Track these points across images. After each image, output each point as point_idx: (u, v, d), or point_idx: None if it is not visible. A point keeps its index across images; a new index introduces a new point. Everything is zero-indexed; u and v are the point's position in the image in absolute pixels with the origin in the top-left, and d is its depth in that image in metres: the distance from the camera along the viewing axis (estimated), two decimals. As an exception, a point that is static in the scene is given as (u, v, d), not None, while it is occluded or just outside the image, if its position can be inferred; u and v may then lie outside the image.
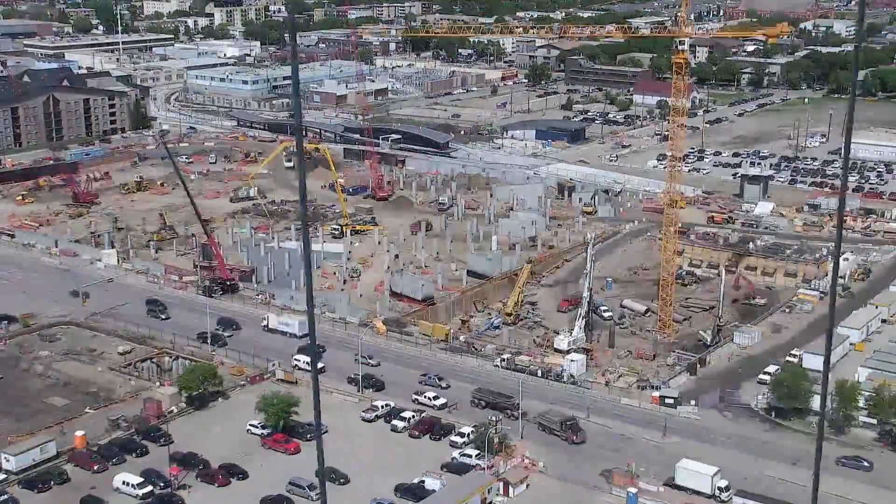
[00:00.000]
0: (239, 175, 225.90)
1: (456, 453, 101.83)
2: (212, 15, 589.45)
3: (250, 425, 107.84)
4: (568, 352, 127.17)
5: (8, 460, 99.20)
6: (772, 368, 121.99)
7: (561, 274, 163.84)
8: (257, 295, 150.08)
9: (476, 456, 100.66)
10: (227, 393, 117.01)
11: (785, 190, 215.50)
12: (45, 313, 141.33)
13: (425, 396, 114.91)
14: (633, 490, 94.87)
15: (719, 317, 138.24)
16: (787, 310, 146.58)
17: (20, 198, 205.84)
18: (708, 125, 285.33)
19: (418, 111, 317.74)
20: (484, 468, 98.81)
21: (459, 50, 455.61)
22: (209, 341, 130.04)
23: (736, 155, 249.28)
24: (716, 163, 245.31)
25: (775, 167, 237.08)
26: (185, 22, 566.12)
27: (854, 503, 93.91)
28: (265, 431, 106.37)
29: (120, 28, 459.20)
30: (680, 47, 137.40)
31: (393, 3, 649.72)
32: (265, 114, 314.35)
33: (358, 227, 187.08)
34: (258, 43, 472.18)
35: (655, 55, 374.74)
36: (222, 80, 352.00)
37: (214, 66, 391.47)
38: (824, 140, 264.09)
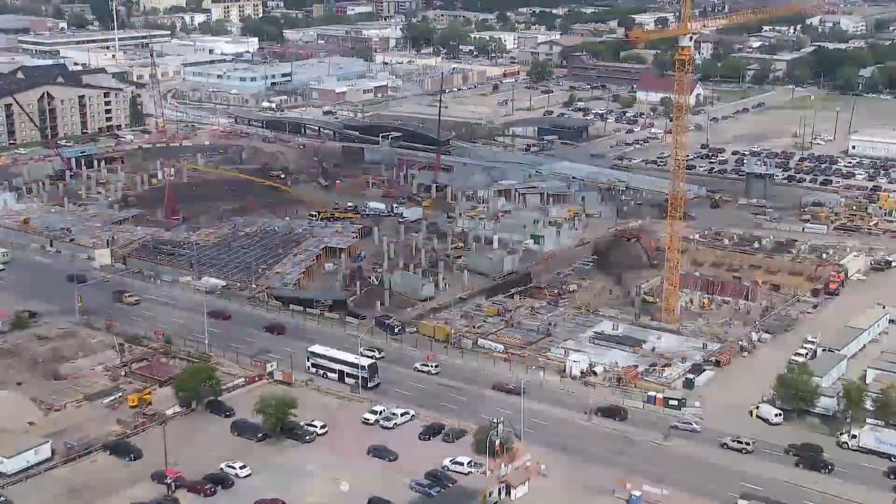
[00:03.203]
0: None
1: (447, 461, 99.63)
2: (209, 11, 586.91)
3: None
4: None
5: (2, 462, 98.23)
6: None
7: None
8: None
9: (468, 463, 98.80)
10: (223, 394, 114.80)
11: (788, 188, 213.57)
12: (40, 311, 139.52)
13: None
14: (636, 493, 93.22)
15: None
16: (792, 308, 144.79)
17: None
18: (713, 122, 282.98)
19: (419, 108, 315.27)
20: (485, 473, 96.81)
21: (461, 46, 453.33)
22: None
23: (740, 153, 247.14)
24: (721, 160, 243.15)
25: (780, 165, 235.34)
26: (182, 17, 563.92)
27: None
28: None
29: (115, 24, 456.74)
30: (684, 44, 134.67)
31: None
32: (264, 111, 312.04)
33: (336, 215, 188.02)
34: (256, 39, 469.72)
35: (659, 51, 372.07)
36: (219, 76, 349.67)
37: (212, 62, 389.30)
38: (831, 139, 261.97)
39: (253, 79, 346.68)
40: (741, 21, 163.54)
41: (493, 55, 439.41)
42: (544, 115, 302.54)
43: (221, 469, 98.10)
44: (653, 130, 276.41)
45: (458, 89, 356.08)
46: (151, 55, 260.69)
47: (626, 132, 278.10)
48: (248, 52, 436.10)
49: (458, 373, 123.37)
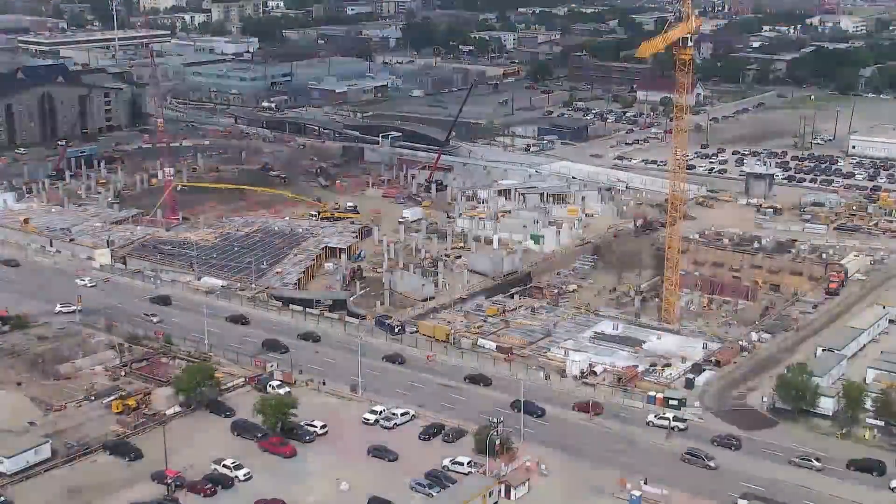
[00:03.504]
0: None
1: (447, 461, 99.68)
2: (209, 11, 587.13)
3: None
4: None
5: (1, 462, 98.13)
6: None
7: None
8: None
9: (468, 463, 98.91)
10: (223, 394, 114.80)
11: (788, 188, 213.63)
12: (39, 312, 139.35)
13: None
14: (636, 493, 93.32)
15: None
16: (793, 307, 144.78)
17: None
18: (713, 122, 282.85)
19: (419, 108, 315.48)
20: (484, 473, 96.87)
21: (461, 46, 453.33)
22: None
23: (740, 154, 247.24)
24: (721, 160, 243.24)
25: (780, 165, 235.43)
26: (182, 17, 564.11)
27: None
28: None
29: (115, 24, 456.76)
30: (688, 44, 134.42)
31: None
32: (265, 111, 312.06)
33: (338, 215, 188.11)
34: (256, 39, 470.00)
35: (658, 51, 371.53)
36: (220, 76, 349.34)
37: (212, 62, 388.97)
38: (831, 139, 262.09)
39: (253, 79, 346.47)
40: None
41: (493, 55, 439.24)
42: (544, 115, 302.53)
43: (215, 469, 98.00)
44: (653, 130, 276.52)
45: (459, 89, 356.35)
46: (151, 55, 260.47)
47: (626, 132, 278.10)
48: (248, 52, 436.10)
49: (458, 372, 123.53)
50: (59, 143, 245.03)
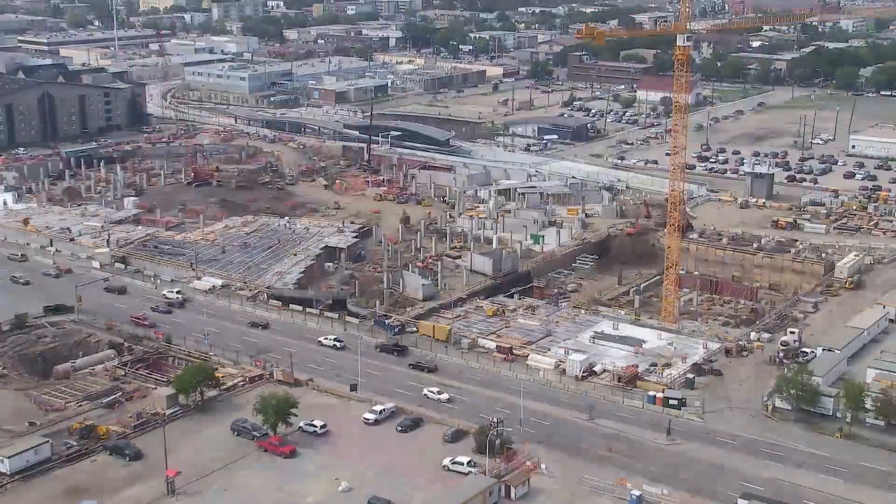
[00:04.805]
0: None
1: (447, 461, 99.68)
2: (209, 11, 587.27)
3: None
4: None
5: (2, 461, 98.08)
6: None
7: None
8: None
9: (468, 463, 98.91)
10: (224, 393, 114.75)
11: (788, 188, 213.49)
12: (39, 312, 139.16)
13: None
14: (636, 493, 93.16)
15: None
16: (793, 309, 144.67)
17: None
18: (713, 122, 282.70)
19: (419, 108, 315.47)
20: (484, 472, 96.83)
21: (461, 46, 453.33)
22: None
23: (740, 154, 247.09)
24: (721, 160, 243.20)
25: (780, 165, 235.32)
26: (182, 17, 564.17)
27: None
28: None
29: (115, 23, 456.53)
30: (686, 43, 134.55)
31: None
32: (265, 111, 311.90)
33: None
34: (256, 39, 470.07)
35: (659, 51, 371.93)
36: (219, 76, 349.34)
37: (211, 62, 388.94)
38: (831, 138, 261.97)
39: (253, 78, 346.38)
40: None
41: (493, 55, 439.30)
42: (545, 114, 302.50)
43: None
44: (653, 130, 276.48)
45: (458, 88, 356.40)
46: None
47: (627, 132, 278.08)
48: (248, 52, 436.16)
49: (457, 372, 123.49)
50: (53, 146, 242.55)
